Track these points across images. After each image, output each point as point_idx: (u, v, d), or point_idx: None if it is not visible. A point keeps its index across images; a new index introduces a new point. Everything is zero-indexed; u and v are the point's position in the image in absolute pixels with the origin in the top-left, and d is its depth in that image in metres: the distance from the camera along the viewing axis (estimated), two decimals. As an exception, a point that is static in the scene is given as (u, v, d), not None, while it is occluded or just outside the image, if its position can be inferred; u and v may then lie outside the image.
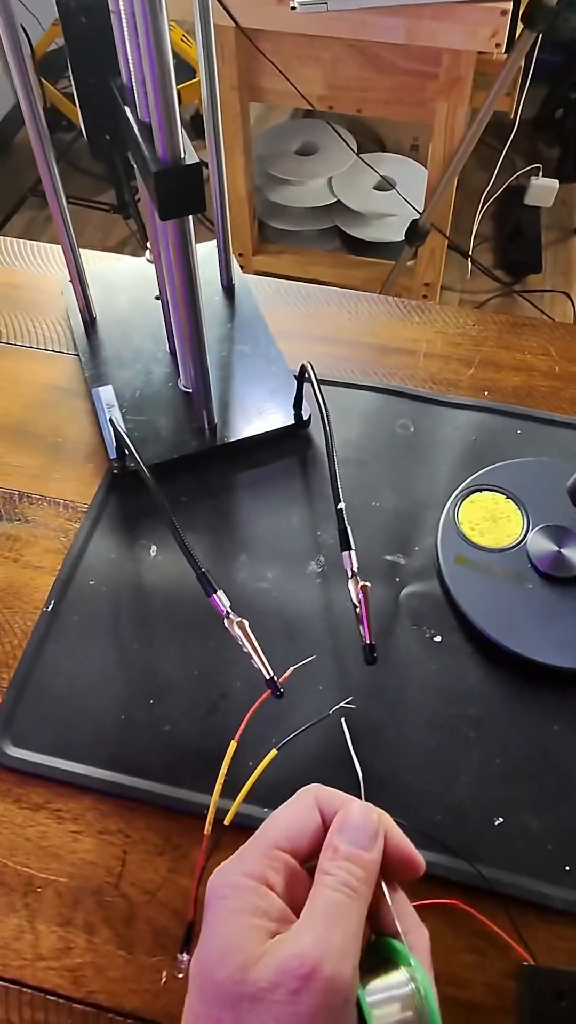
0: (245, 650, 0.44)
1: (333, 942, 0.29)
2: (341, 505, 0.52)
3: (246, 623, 0.45)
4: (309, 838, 0.34)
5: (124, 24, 0.49)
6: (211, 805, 0.44)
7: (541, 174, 2.07)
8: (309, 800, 0.35)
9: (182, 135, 0.47)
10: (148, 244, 0.67)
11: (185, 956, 0.42)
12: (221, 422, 0.64)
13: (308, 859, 0.34)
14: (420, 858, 0.35)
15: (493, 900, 0.45)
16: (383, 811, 0.35)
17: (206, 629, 0.54)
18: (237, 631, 0.45)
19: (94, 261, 0.78)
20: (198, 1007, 0.29)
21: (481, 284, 2.06)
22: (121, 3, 0.48)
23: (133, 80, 0.51)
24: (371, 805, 0.34)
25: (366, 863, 0.32)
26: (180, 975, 0.43)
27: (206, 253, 0.74)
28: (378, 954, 0.33)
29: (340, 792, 0.35)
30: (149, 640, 0.54)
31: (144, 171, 0.50)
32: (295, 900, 0.32)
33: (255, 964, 0.29)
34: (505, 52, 1.29)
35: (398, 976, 0.32)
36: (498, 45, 1.29)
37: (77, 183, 2.24)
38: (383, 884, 0.33)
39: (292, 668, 0.46)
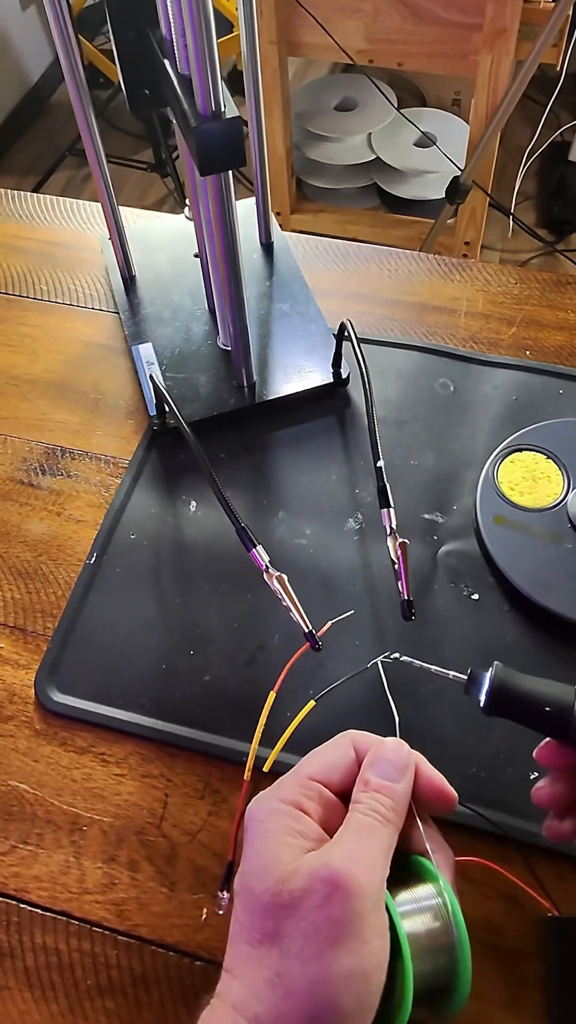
0: (284, 604, 0.45)
1: (361, 854, 0.32)
2: (380, 463, 0.52)
3: (285, 577, 0.45)
4: (342, 771, 0.36)
5: (166, -26, 0.49)
6: (250, 753, 0.45)
7: (587, 129, 2.01)
8: (346, 740, 0.37)
9: (222, 88, 0.47)
10: (187, 201, 0.67)
11: (225, 894, 0.44)
12: (260, 380, 0.64)
13: (341, 791, 0.36)
14: (452, 791, 0.37)
15: (527, 850, 0.46)
16: (416, 751, 0.37)
17: (245, 583, 0.55)
18: (276, 585, 0.45)
19: (133, 219, 0.78)
20: (242, 917, 0.32)
21: (523, 243, 2.01)
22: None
23: (172, 32, 0.51)
24: (402, 741, 0.36)
25: (395, 794, 0.34)
26: (220, 912, 0.44)
27: (244, 211, 0.73)
28: (407, 871, 0.35)
29: (375, 735, 0.37)
30: (189, 592, 0.55)
31: (183, 125, 0.49)
32: (330, 826, 0.34)
33: (290, 876, 0.31)
34: (552, 1, 1.25)
35: (426, 889, 0.34)
36: (546, -8, 1.25)
37: (115, 142, 2.22)
38: (415, 812, 0.35)
39: (330, 622, 0.46)
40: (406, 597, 0.47)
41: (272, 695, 0.45)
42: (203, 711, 0.51)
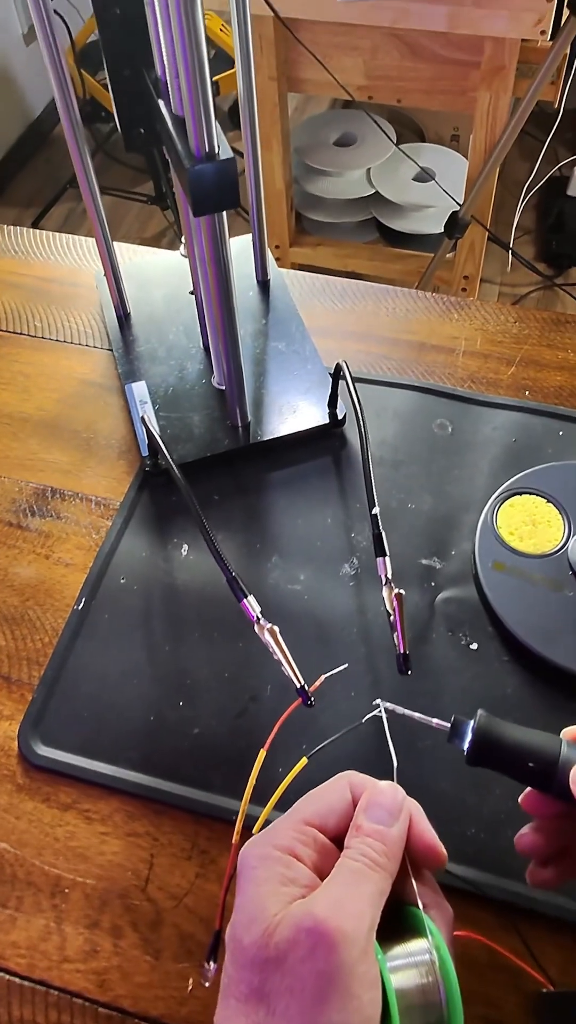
0: (276, 657, 0.43)
1: (347, 901, 0.30)
2: (375, 510, 0.51)
3: (277, 630, 0.44)
4: (338, 815, 0.35)
5: (158, 15, 0.49)
6: (240, 813, 0.43)
7: (585, 164, 2.03)
8: (342, 782, 0.36)
9: (216, 129, 0.46)
10: (182, 238, 0.67)
11: (212, 964, 0.42)
12: (255, 420, 0.63)
13: (337, 836, 0.34)
14: (442, 849, 0.35)
15: (524, 917, 0.44)
16: (413, 799, 0.36)
17: (237, 630, 0.53)
18: (268, 638, 0.44)
19: (129, 255, 0.78)
20: (231, 971, 0.31)
21: (521, 277, 2.02)
22: (158, -6, 0.48)
23: (167, 73, 0.50)
24: (397, 785, 0.35)
25: (387, 838, 0.33)
26: (206, 983, 0.42)
27: (241, 247, 0.73)
28: (401, 925, 0.34)
29: (372, 778, 0.36)
30: (179, 640, 0.54)
31: (177, 166, 0.49)
32: (324, 873, 0.33)
33: (276, 927, 0.30)
34: (550, 39, 1.26)
35: (419, 944, 0.32)
36: (543, 32, 1.26)
37: (116, 174, 2.24)
38: (407, 861, 0.34)
39: (323, 676, 0.45)
40: (402, 651, 0.45)
41: (263, 753, 0.43)
42: (192, 766, 0.49)
